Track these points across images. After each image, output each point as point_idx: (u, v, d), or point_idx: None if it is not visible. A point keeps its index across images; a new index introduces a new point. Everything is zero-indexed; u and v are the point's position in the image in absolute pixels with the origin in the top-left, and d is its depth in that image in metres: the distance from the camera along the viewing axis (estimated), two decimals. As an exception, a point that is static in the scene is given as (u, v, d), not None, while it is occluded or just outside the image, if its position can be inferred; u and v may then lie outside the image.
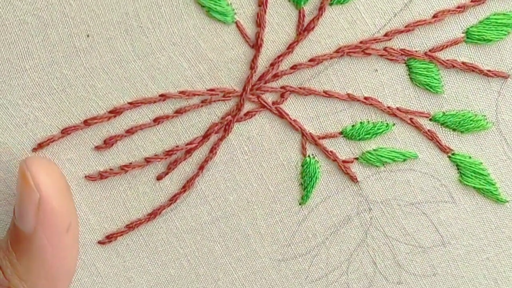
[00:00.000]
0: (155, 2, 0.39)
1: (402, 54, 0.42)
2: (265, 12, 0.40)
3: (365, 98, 0.42)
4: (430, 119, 0.43)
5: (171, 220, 0.44)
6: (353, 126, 0.43)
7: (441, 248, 0.46)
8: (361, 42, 0.41)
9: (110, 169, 0.42)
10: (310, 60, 0.41)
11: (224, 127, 0.42)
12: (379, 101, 0.42)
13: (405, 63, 0.42)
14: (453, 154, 0.44)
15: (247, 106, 0.42)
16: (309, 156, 0.43)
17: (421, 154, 0.44)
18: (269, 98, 0.42)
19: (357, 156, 0.44)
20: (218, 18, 0.40)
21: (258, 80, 0.41)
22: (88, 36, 0.39)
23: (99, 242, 0.44)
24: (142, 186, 0.43)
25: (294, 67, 0.41)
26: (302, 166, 0.44)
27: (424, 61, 0.42)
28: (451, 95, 0.43)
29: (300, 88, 0.42)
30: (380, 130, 0.43)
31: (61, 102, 0.40)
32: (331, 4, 0.41)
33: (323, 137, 0.43)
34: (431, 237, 0.46)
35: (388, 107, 0.43)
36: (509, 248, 0.46)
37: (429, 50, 0.42)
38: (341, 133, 0.43)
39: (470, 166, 0.44)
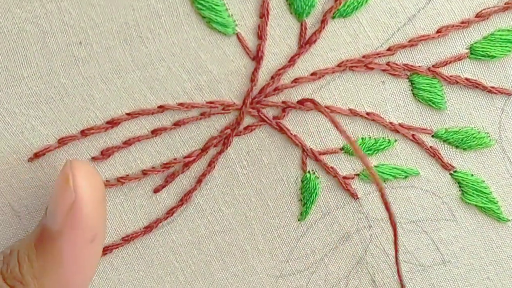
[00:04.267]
0: (155, 12, 0.39)
1: (405, 69, 0.41)
2: (266, 24, 0.40)
3: (367, 113, 0.42)
4: (433, 136, 0.43)
5: (168, 233, 0.43)
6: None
7: (441, 267, 0.46)
8: (363, 57, 0.41)
9: (107, 181, 0.42)
10: (312, 74, 0.41)
11: (223, 140, 0.41)
12: (381, 117, 0.42)
13: (408, 78, 0.41)
14: (455, 171, 0.43)
15: (247, 120, 0.41)
16: (309, 171, 0.43)
17: (422, 171, 0.43)
18: (269, 112, 0.41)
19: (358, 173, 0.43)
20: (218, 29, 0.39)
21: (258, 93, 0.41)
22: (80, 43, 0.38)
23: (94, 255, 0.43)
24: (138, 199, 0.42)
25: (295, 81, 0.41)
26: (302, 181, 0.43)
27: (427, 77, 0.41)
28: (454, 112, 0.42)
29: (301, 104, 0.41)
30: (382, 146, 0.42)
31: (58, 112, 0.40)
32: (333, 17, 0.40)
33: (324, 153, 0.42)
34: (431, 255, 0.45)
35: (390, 122, 0.42)
36: (510, 267, 0.46)
37: (433, 66, 0.41)
38: (342, 149, 0.43)
39: (472, 184, 0.43)
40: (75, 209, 0.35)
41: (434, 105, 0.42)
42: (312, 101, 0.40)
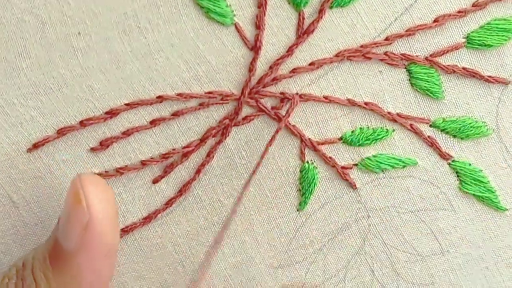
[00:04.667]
0: (154, 3, 0.39)
1: (402, 59, 0.41)
2: (264, 14, 0.40)
3: (365, 103, 0.42)
4: (430, 125, 0.43)
5: (167, 224, 0.43)
6: (352, 132, 0.42)
7: (439, 257, 0.46)
8: (361, 46, 0.41)
9: (106, 171, 0.42)
10: (310, 64, 0.41)
11: (221, 131, 0.42)
12: (379, 107, 0.42)
13: (405, 68, 0.42)
14: (453, 161, 0.44)
15: (245, 110, 0.41)
16: (307, 162, 0.43)
17: (420, 160, 0.43)
18: (268, 102, 0.42)
19: (356, 162, 0.43)
20: (217, 19, 0.39)
21: (257, 83, 0.41)
22: (79, 34, 0.39)
23: (93, 246, 0.43)
24: (137, 190, 0.42)
25: (293, 71, 0.41)
26: (301, 172, 0.43)
27: (424, 66, 0.41)
28: (452, 101, 0.42)
29: (300, 95, 0.41)
30: (380, 136, 0.43)
31: (57, 102, 0.40)
32: (331, 7, 0.40)
33: (323, 143, 0.42)
34: (429, 245, 0.45)
35: (388, 112, 0.42)
36: (508, 257, 0.46)
37: (430, 55, 0.41)
38: (340, 139, 0.43)
39: (470, 174, 0.44)
40: (90, 228, 0.35)
41: (431, 95, 0.42)
42: (300, 95, 0.41)
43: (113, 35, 0.39)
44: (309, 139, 0.42)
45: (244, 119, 0.42)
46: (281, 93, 0.41)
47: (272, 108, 0.42)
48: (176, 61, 0.40)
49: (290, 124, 0.42)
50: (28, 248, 0.42)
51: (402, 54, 0.41)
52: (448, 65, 0.41)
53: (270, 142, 0.41)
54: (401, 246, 0.45)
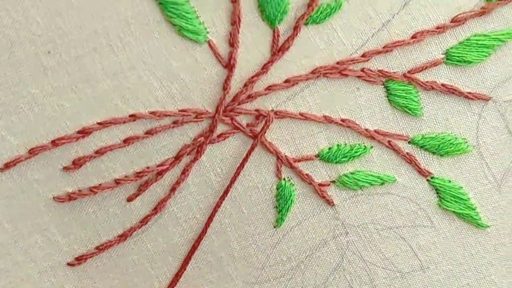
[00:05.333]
0: (125, 20, 0.38)
1: (380, 76, 0.41)
2: (238, 31, 0.39)
3: (342, 120, 0.41)
4: (409, 142, 0.42)
5: (142, 241, 0.43)
6: (329, 148, 0.42)
7: (420, 273, 0.45)
8: (338, 63, 0.40)
9: (79, 190, 0.41)
10: (286, 81, 0.40)
11: (196, 148, 0.41)
12: (356, 124, 0.41)
13: (383, 84, 0.41)
14: (432, 177, 0.43)
15: (221, 128, 0.41)
16: (284, 179, 0.42)
17: (399, 177, 0.43)
18: (243, 119, 0.41)
19: (333, 179, 0.43)
20: (190, 37, 0.39)
21: (231, 101, 0.40)
22: (49, 52, 0.38)
23: (69, 264, 0.43)
24: (112, 208, 0.42)
25: (269, 88, 0.40)
26: (277, 189, 0.42)
27: (402, 83, 0.41)
28: (431, 118, 0.42)
29: (275, 112, 0.40)
30: (358, 153, 0.42)
31: (28, 122, 0.39)
32: (306, 24, 0.39)
33: (299, 160, 0.42)
34: (409, 262, 0.45)
35: (366, 129, 0.41)
36: (490, 274, 0.45)
37: (408, 72, 0.40)
38: (317, 155, 0.42)
39: (450, 190, 0.43)
40: None
41: (410, 112, 0.41)
42: (275, 112, 0.40)
43: (84, 53, 0.38)
44: (285, 156, 0.42)
45: (219, 136, 0.41)
46: (256, 110, 0.40)
47: (248, 125, 0.41)
48: (148, 79, 0.39)
49: (266, 141, 0.41)
50: (3, 267, 0.42)
51: (379, 71, 0.40)
52: (426, 82, 0.41)
53: (245, 159, 0.41)
54: (380, 262, 0.45)
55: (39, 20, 0.38)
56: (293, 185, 0.42)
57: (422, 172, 0.43)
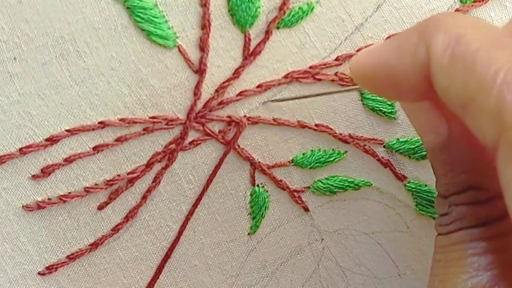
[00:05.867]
0: (92, 25, 0.37)
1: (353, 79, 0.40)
2: (208, 36, 0.38)
3: (316, 125, 0.40)
4: (384, 146, 0.41)
5: (114, 250, 0.42)
6: (303, 154, 0.41)
7: (396, 279, 0.45)
8: (311, 67, 0.39)
9: (49, 199, 0.40)
10: (258, 86, 0.39)
11: (168, 156, 0.40)
12: (330, 128, 0.41)
13: (357, 88, 0.40)
14: (408, 182, 0.42)
15: (192, 135, 0.40)
16: (257, 185, 0.42)
17: (375, 182, 0.42)
18: (215, 126, 0.40)
19: (308, 185, 0.42)
20: (159, 42, 0.38)
21: (203, 107, 0.39)
22: (15, 59, 0.37)
23: (39, 273, 0.42)
24: (83, 216, 0.41)
25: (241, 94, 0.39)
26: (251, 195, 0.42)
27: None
28: (405, 121, 0.41)
29: (247, 118, 0.40)
30: (332, 158, 0.41)
31: (-5, 129, 0.38)
32: (278, 28, 0.39)
33: (273, 166, 0.41)
34: (386, 267, 0.44)
35: (340, 134, 0.41)
36: (466, 278, 0.45)
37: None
38: (291, 161, 0.41)
39: (426, 195, 0.42)
40: None
41: (384, 115, 0.41)
42: (247, 118, 0.39)
43: (51, 59, 0.37)
44: (259, 162, 0.41)
45: (190, 143, 0.40)
46: (228, 116, 0.40)
47: (220, 132, 0.40)
48: (117, 85, 0.38)
49: (239, 147, 0.40)
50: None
51: None
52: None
53: (217, 166, 0.40)
54: (356, 268, 0.44)
55: (4, 26, 0.37)
56: (267, 191, 0.42)
57: (398, 176, 0.42)
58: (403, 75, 0.28)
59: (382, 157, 0.42)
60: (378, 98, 0.40)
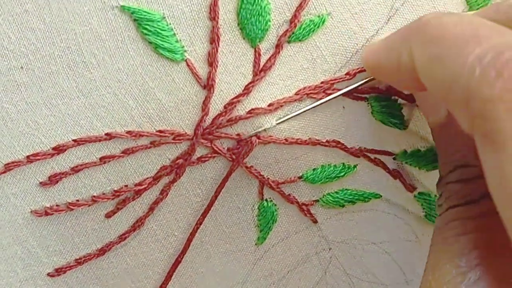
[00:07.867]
0: (99, 37, 0.36)
1: (364, 92, 0.39)
2: (217, 50, 0.37)
3: (327, 141, 0.40)
4: (394, 158, 0.41)
5: (122, 255, 0.42)
6: (314, 170, 0.41)
7: (403, 286, 0.45)
8: (322, 82, 0.38)
9: (56, 205, 0.40)
10: (269, 105, 0.38)
11: (175, 170, 0.40)
12: (341, 143, 0.40)
13: (366, 100, 0.39)
14: (418, 193, 0.42)
15: (201, 150, 0.39)
16: (266, 199, 0.41)
17: (385, 194, 0.42)
18: (224, 143, 0.39)
19: (317, 198, 0.41)
20: (166, 55, 0.37)
21: (210, 124, 0.39)
22: (22, 68, 0.36)
23: (49, 275, 0.42)
24: (90, 223, 0.41)
25: (251, 112, 0.38)
26: (259, 209, 0.41)
27: (385, 97, 0.39)
28: (414, 132, 0.40)
29: (258, 137, 0.39)
30: (342, 173, 0.41)
31: (3, 137, 0.38)
32: (289, 42, 0.37)
33: (282, 183, 0.41)
34: (393, 274, 0.44)
35: (351, 148, 0.40)
36: None
37: (390, 85, 0.39)
38: (300, 177, 0.41)
39: (435, 205, 0.42)
40: None
41: (394, 126, 0.40)
42: (258, 137, 0.38)
43: (58, 69, 0.37)
44: (268, 179, 0.40)
45: (198, 159, 0.40)
46: (238, 134, 0.39)
47: (229, 149, 0.39)
48: (124, 98, 0.38)
49: (247, 165, 0.40)
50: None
51: (363, 87, 0.39)
52: (409, 95, 0.39)
53: (223, 182, 0.40)
54: (363, 276, 0.44)
55: (11, 35, 0.36)
56: (275, 205, 0.41)
57: (407, 187, 0.42)
58: (395, 74, 0.32)
59: (393, 169, 0.41)
60: (387, 110, 0.39)
